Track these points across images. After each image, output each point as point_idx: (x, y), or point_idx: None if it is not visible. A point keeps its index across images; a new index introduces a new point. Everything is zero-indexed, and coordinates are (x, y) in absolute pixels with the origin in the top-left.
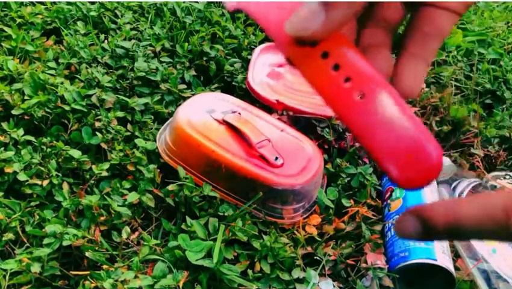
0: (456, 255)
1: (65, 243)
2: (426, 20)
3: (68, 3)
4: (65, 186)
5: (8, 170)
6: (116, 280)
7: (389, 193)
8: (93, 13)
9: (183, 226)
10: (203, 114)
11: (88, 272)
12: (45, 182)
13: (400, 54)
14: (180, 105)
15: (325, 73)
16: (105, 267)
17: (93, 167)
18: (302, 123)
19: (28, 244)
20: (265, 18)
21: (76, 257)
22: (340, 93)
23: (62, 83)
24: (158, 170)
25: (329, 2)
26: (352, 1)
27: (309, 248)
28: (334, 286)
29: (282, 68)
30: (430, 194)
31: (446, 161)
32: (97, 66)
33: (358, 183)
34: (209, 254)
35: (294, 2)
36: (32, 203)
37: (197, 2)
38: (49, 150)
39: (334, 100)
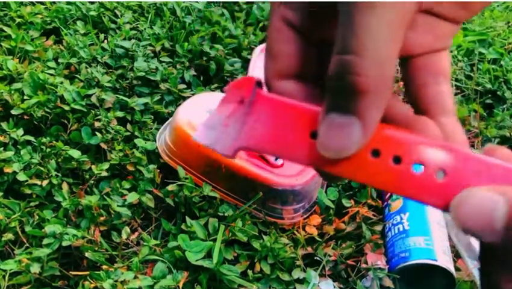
0: (456, 255)
1: (64, 243)
2: (421, 70)
3: (68, 3)
4: (65, 186)
5: (7, 170)
6: (116, 281)
7: (389, 194)
8: (92, 13)
9: (183, 226)
10: (203, 113)
11: (87, 272)
12: (44, 182)
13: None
14: (180, 104)
15: (388, 169)
16: (104, 267)
17: (93, 167)
18: None
19: (27, 245)
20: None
21: (75, 258)
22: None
23: (61, 83)
24: (158, 170)
25: (359, 110)
26: (382, 95)
27: (309, 249)
28: (334, 287)
29: None
30: None
31: None
32: (96, 66)
33: (358, 183)
34: (209, 255)
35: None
36: (32, 203)
37: (197, 2)
38: (48, 150)
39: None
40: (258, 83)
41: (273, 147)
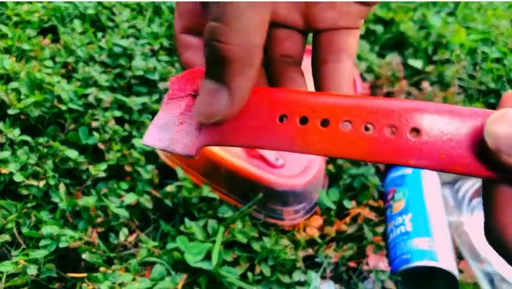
0: (459, 257)
1: (61, 245)
2: (324, 46)
3: (65, 1)
4: (62, 187)
5: (4, 170)
6: (114, 283)
7: (391, 194)
8: (90, 11)
9: (182, 228)
10: None
11: (85, 274)
12: (41, 183)
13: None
14: None
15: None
16: (102, 269)
17: (90, 167)
18: None
19: (24, 246)
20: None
21: (73, 260)
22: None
23: (59, 82)
24: (156, 171)
25: (225, 78)
26: (247, 63)
27: (310, 250)
28: None
29: None
30: (433, 196)
31: None
32: (94, 65)
33: (359, 184)
34: (208, 257)
35: None
36: (29, 204)
37: None
38: (45, 150)
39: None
40: None
41: (239, 137)
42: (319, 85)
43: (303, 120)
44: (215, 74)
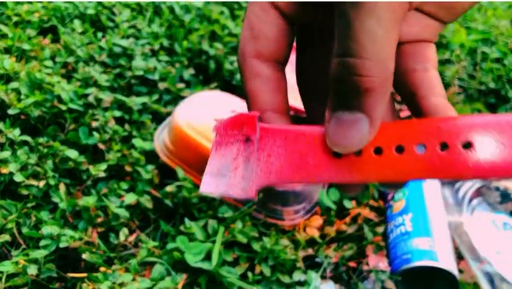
0: (459, 257)
1: (62, 245)
2: (410, 56)
3: (65, 1)
4: (62, 187)
5: (4, 170)
6: (114, 283)
7: (391, 194)
8: (90, 11)
9: (182, 228)
10: (202, 113)
11: (85, 274)
12: (41, 183)
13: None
14: (179, 104)
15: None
16: (102, 269)
17: (90, 167)
18: (302, 123)
19: (24, 246)
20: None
21: (73, 260)
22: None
23: (59, 82)
24: (156, 171)
25: (366, 108)
26: (386, 91)
27: (310, 250)
28: None
29: None
30: (433, 196)
31: None
32: (94, 65)
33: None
34: (208, 257)
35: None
36: (29, 204)
37: (196, 0)
38: (45, 150)
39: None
40: (259, 118)
41: (296, 175)
42: (411, 92)
43: (358, 153)
44: (352, 105)
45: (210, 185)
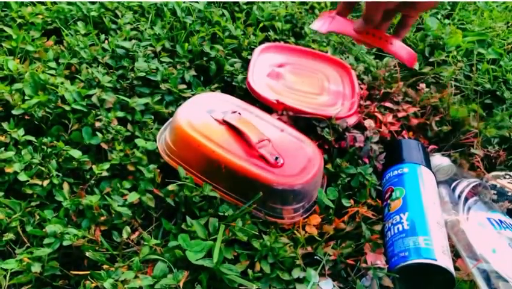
0: (456, 255)
1: (65, 243)
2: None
3: (69, 3)
4: (66, 186)
5: (8, 170)
6: (116, 280)
7: (389, 193)
8: (93, 13)
9: (183, 226)
10: (203, 114)
11: (88, 272)
12: (45, 182)
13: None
14: (180, 105)
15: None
16: (105, 266)
17: (93, 167)
18: (302, 123)
19: (28, 244)
20: (345, 31)
21: (76, 257)
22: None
23: (62, 83)
24: (158, 170)
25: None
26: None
27: (309, 248)
28: (334, 286)
29: (282, 68)
30: (429, 194)
31: (446, 161)
32: (97, 66)
33: (358, 183)
34: (209, 254)
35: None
36: (33, 203)
37: (197, 2)
38: (49, 150)
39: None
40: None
41: (346, 30)
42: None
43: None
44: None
45: (316, 26)
